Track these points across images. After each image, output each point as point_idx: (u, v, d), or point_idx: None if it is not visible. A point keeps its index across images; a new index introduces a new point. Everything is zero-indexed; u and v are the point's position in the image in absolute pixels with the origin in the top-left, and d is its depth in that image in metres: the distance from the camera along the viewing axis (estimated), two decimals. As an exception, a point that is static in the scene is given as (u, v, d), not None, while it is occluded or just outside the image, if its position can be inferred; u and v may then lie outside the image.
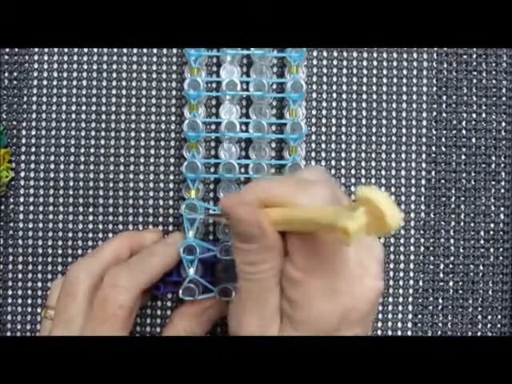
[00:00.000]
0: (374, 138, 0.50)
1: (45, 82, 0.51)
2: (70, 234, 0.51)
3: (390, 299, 0.50)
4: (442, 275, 0.50)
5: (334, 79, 0.51)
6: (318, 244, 0.37)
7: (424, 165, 0.51)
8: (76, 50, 0.51)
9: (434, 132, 0.51)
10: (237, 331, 0.40)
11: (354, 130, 0.50)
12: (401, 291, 0.50)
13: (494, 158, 0.50)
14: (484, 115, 0.51)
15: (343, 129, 0.50)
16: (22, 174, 0.51)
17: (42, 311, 0.46)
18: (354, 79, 0.51)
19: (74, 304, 0.44)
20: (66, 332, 0.44)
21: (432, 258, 0.50)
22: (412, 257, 0.50)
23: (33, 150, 0.51)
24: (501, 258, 0.50)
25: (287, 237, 0.38)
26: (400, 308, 0.50)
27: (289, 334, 0.38)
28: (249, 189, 0.39)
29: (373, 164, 0.50)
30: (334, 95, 0.51)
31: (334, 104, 0.51)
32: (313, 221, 0.35)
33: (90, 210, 0.51)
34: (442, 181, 0.50)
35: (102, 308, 0.43)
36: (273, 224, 0.37)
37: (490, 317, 0.50)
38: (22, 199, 0.51)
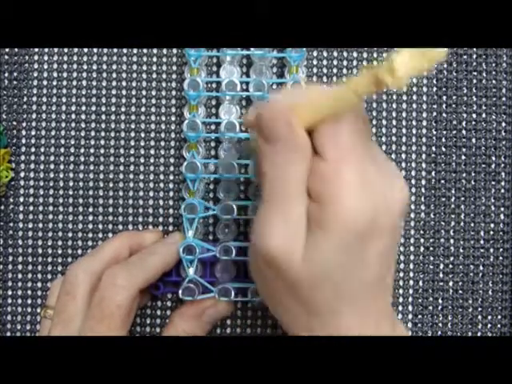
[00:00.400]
0: (373, 138, 0.50)
1: (45, 82, 0.51)
2: (70, 234, 0.51)
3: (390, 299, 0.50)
4: (441, 275, 0.50)
5: (334, 79, 0.51)
6: (347, 131, 0.37)
7: (424, 165, 0.51)
8: (76, 50, 0.51)
9: (434, 132, 0.51)
10: (259, 242, 0.38)
11: (353, 130, 0.50)
12: (401, 291, 0.50)
13: (494, 158, 0.50)
14: (484, 115, 0.51)
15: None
16: (22, 174, 0.51)
17: (42, 311, 0.46)
18: (354, 79, 0.51)
19: (73, 303, 0.44)
20: (65, 331, 0.44)
21: (432, 258, 0.50)
22: (412, 257, 0.50)
23: (33, 150, 0.51)
24: (501, 258, 0.50)
25: (316, 131, 0.38)
26: (400, 308, 0.50)
27: (317, 240, 0.37)
28: (274, 100, 0.39)
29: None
30: (334, 95, 0.51)
31: (334, 104, 0.51)
32: (350, 91, 0.35)
33: (90, 209, 0.51)
34: (442, 181, 0.50)
35: (99, 307, 0.43)
36: (301, 123, 0.37)
37: (489, 317, 0.50)
38: (21, 199, 0.51)
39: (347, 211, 0.36)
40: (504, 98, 0.51)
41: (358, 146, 0.37)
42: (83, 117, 0.51)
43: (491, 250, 0.50)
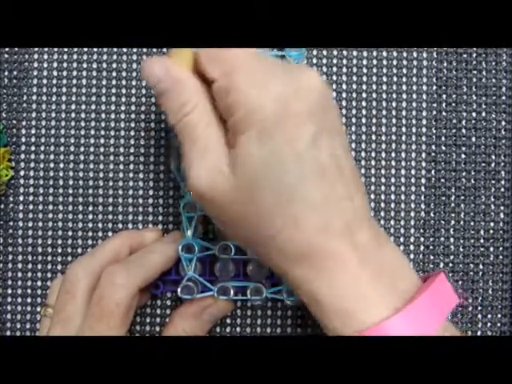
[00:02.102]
0: (373, 137, 0.50)
1: (44, 81, 0.51)
2: (70, 233, 0.51)
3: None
4: (441, 274, 0.50)
5: (334, 78, 0.51)
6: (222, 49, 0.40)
7: (424, 164, 0.51)
8: (76, 48, 0.51)
9: (434, 131, 0.51)
10: (188, 184, 0.39)
11: (353, 129, 0.50)
12: (400, 290, 0.50)
13: (493, 157, 0.50)
14: (484, 114, 0.51)
15: (343, 128, 0.50)
16: (22, 173, 0.51)
17: (42, 309, 0.47)
18: (354, 78, 0.51)
19: (73, 302, 0.44)
20: (64, 330, 0.44)
21: (432, 257, 0.50)
22: (412, 256, 0.50)
23: (32, 148, 0.51)
24: (501, 256, 0.50)
25: (198, 65, 0.40)
26: (400, 307, 0.50)
27: (240, 147, 0.38)
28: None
29: (372, 163, 0.50)
30: (334, 94, 0.51)
31: (334, 103, 0.51)
32: None
33: (90, 209, 0.51)
34: (442, 180, 0.50)
35: (98, 305, 0.43)
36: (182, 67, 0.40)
37: (489, 316, 0.50)
38: (21, 198, 0.51)
39: (252, 104, 0.37)
40: (504, 97, 0.51)
41: (238, 55, 0.39)
42: (83, 116, 0.51)
43: (491, 249, 0.50)
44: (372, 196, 0.50)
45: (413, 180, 0.50)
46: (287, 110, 0.37)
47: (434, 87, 0.51)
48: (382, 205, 0.50)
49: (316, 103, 0.38)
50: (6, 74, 0.51)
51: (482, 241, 0.50)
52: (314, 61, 0.51)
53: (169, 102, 0.40)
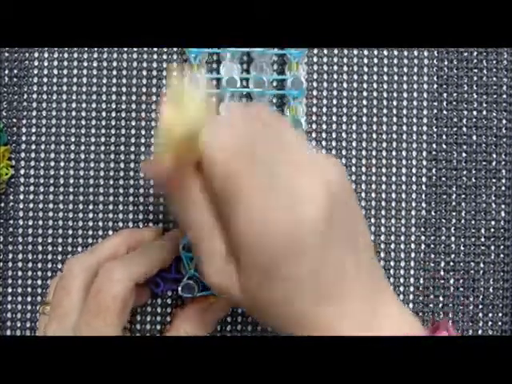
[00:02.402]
0: (374, 136, 0.50)
1: (45, 80, 0.51)
2: (70, 232, 0.51)
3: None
4: (442, 273, 0.50)
5: (335, 76, 0.51)
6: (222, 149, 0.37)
7: (425, 162, 0.50)
8: (76, 48, 0.51)
9: (435, 129, 0.50)
10: (204, 278, 0.39)
11: (354, 127, 0.50)
12: (401, 289, 0.50)
13: (494, 156, 0.50)
14: (484, 113, 0.51)
15: (344, 126, 0.50)
16: (22, 172, 0.51)
17: (41, 307, 0.46)
18: (355, 76, 0.51)
19: (69, 298, 0.44)
20: (60, 327, 0.43)
21: (433, 256, 0.50)
22: (413, 254, 0.50)
23: (33, 147, 0.51)
24: (501, 255, 0.50)
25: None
26: (400, 306, 0.50)
27: (243, 270, 0.37)
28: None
29: (373, 161, 0.50)
30: (335, 92, 0.51)
31: (335, 101, 0.51)
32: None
33: (90, 207, 0.51)
34: (443, 178, 0.50)
35: (95, 301, 0.43)
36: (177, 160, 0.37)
37: (490, 314, 0.50)
38: (21, 196, 0.51)
39: (252, 247, 0.36)
40: (504, 96, 0.51)
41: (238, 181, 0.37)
42: (83, 114, 0.51)
43: (492, 248, 0.50)
44: (373, 195, 0.50)
45: (414, 179, 0.50)
46: (291, 254, 0.36)
47: (435, 86, 0.51)
48: (383, 203, 0.50)
49: (313, 236, 0.36)
50: (7, 72, 0.51)
51: (482, 239, 0.50)
52: (315, 59, 0.51)
53: (173, 199, 0.39)
